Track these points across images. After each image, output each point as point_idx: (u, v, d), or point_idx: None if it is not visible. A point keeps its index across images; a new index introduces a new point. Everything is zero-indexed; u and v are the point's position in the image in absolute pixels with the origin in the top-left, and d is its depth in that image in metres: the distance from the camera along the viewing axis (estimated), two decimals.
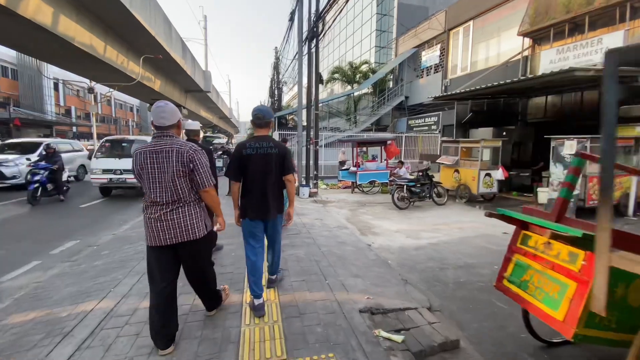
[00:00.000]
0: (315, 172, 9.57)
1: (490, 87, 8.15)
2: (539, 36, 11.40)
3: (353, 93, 20.85)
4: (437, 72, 17.92)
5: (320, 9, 7.89)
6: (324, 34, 8.06)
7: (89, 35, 12.95)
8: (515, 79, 7.27)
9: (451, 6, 16.35)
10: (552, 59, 10.42)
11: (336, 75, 21.47)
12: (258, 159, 2.68)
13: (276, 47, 17.41)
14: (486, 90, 8.79)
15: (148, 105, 32.24)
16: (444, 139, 10.36)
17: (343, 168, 10.52)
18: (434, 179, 8.38)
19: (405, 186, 7.84)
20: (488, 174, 8.78)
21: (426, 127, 18.24)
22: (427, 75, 18.95)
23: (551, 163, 7.47)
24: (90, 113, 23.03)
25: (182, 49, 21.92)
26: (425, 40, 18.45)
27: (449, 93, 9.58)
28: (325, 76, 22.19)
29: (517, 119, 12.03)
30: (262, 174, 2.70)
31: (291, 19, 9.91)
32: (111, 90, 20.32)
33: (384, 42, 23.48)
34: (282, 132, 15.01)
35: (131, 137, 11.19)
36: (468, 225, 6.35)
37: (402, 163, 10.80)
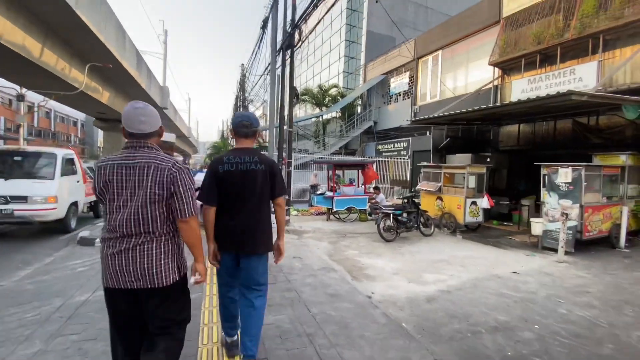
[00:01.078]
0: (286, 196, 8.36)
1: (476, 110, 7.74)
2: (509, 66, 11.63)
3: (322, 115, 20.29)
4: (405, 98, 18.01)
5: (297, 16, 7.09)
6: (302, 43, 7.23)
7: (22, 34, 10.96)
8: (506, 102, 6.90)
9: (420, 36, 16.73)
10: (523, 88, 10.54)
11: (305, 97, 20.88)
12: (239, 177, 2.19)
13: (243, 64, 16.43)
14: (466, 114, 8.41)
15: (94, 119, 29.27)
16: (425, 164, 9.80)
17: (317, 193, 9.44)
18: (420, 207, 7.58)
19: (391, 215, 6.92)
20: (474, 202, 8.22)
21: (395, 153, 18.01)
22: (396, 101, 19.02)
23: (543, 192, 7.03)
24: (20, 124, 19.83)
25: (137, 61, 20.12)
26: (394, 67, 18.64)
27: (430, 116, 9.14)
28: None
29: (490, 146, 11.98)
30: (245, 196, 2.21)
31: (263, 27, 9.04)
32: (46, 99, 17.68)
33: (352, 69, 23.61)
34: None
35: (31, 149, 7.42)
36: (468, 262, 5.50)
37: (378, 189, 10.01)
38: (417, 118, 9.74)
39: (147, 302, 1.71)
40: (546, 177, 6.90)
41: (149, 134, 1.73)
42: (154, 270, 1.66)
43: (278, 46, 7.86)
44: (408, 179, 16.69)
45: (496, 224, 9.58)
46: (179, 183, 1.68)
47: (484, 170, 8.39)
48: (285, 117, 8.22)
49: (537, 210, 9.98)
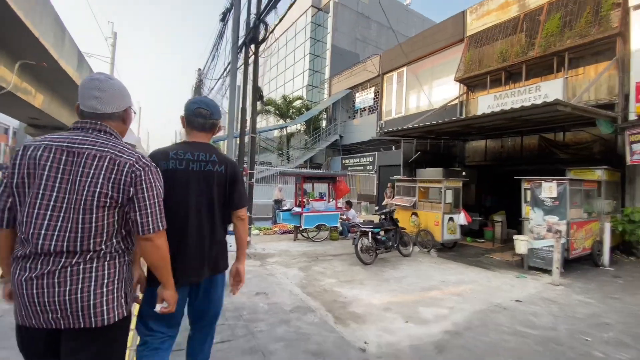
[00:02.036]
0: (248, 213, 7.16)
1: (454, 121, 7.35)
2: (474, 83, 11.75)
3: (287, 127, 19.39)
4: (371, 113, 17.82)
5: (263, 6, 6.18)
6: (268, 36, 6.31)
7: None
8: (490, 112, 6.53)
9: (385, 52, 16.77)
10: (489, 104, 10.57)
11: (269, 108, 19.88)
12: (189, 179, 1.67)
13: (200, 69, 15.08)
14: (443, 125, 8.04)
15: (25, 125, 25.55)
16: (398, 177, 9.22)
17: (283, 209, 8.35)
18: (399, 224, 6.84)
19: (370, 233, 6.07)
20: (451, 219, 7.70)
21: (361, 167, 17.57)
22: (361, 116, 18.78)
23: (525, 207, 6.67)
24: None
25: (79, 61, 17.86)
26: (359, 82, 18.49)
27: (404, 127, 8.65)
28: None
29: (457, 162, 11.86)
30: (197, 205, 1.68)
31: (224, 19, 8.00)
32: None
33: (317, 82, 23.23)
34: None
35: None
36: (462, 289, 4.76)
37: (350, 204, 9.20)
38: (388, 130, 9.22)
39: (73, 346, 1.23)
40: (529, 191, 6.55)
41: (108, 116, 1.33)
42: (91, 303, 1.21)
43: (241, 40, 6.87)
44: (375, 193, 16.23)
45: (470, 241, 9.18)
46: (144, 186, 1.29)
47: (460, 184, 7.97)
48: (248, 122, 7.15)
49: (509, 226, 9.84)
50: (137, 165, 1.27)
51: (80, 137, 1.26)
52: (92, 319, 1.20)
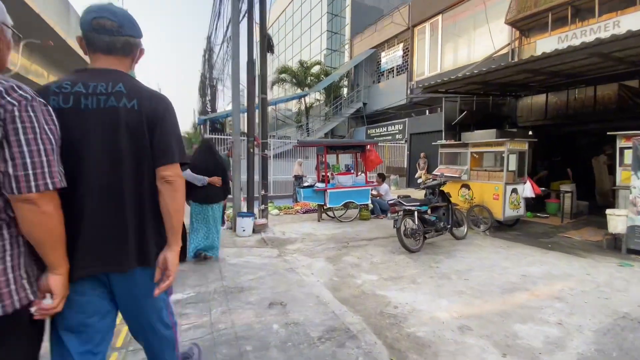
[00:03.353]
0: (263, 192, 6.00)
1: (521, 62, 5.64)
2: (529, 25, 9.63)
3: (305, 96, 17.82)
4: (400, 74, 15.85)
5: None
6: None
7: None
8: (579, 44, 4.74)
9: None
10: (552, 49, 8.55)
11: (284, 76, 18.29)
12: (82, 123, 1.14)
13: (209, 36, 13.67)
14: (502, 73, 6.33)
15: None
16: (444, 142, 7.66)
17: (304, 185, 7.12)
18: (451, 200, 5.42)
19: (415, 213, 4.72)
20: (514, 190, 6.16)
21: (389, 137, 15.89)
22: (388, 79, 16.83)
23: (621, 172, 5.03)
24: None
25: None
26: (384, 39, 16.39)
27: (448, 79, 6.95)
28: (270, 77, 18.88)
29: (508, 122, 10.00)
30: (96, 161, 1.16)
31: None
32: None
33: (336, 45, 21.17)
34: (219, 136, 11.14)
35: None
36: (558, 287, 3.40)
37: (382, 177, 7.81)
38: (429, 83, 7.55)
39: None
40: (628, 152, 4.88)
41: None
42: None
43: None
44: (405, 165, 14.67)
45: (530, 216, 7.59)
46: (18, 125, 0.95)
47: (526, 147, 6.33)
48: (256, 79, 5.81)
49: (580, 196, 8.13)
50: (8, 98, 0.94)
51: None
52: None
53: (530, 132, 7.52)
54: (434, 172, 7.47)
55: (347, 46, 19.39)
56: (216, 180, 4.21)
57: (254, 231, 5.64)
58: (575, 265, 4.15)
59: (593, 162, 8.76)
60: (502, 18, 11.32)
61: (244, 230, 5.41)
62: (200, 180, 4.13)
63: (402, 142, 14.84)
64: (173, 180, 1.22)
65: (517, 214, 6.27)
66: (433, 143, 8.33)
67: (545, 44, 8.82)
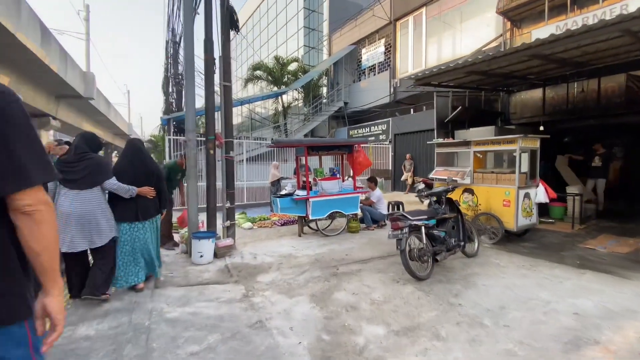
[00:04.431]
0: (228, 204, 4.77)
1: (531, 46, 4.77)
2: (522, 14, 8.99)
3: (283, 94, 16.60)
4: (382, 71, 15.01)
5: None
6: None
7: None
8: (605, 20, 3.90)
9: None
10: None
11: (259, 73, 16.98)
12: None
13: (169, 20, 12.15)
14: (505, 59, 5.49)
15: None
16: (440, 140, 6.71)
17: (281, 193, 5.94)
18: (461, 210, 4.43)
19: (423, 228, 3.68)
20: (527, 195, 5.29)
21: (372, 138, 14.99)
22: (369, 77, 15.97)
23: None
24: None
25: (43, 36, 15.01)
26: (365, 35, 15.54)
27: (443, 68, 6.03)
28: (244, 74, 17.58)
29: (502, 119, 9.30)
30: None
31: None
32: None
33: (314, 43, 20.14)
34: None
35: None
36: (631, 331, 2.45)
37: (374, 182, 6.78)
38: (421, 75, 6.62)
39: None
40: None
41: None
42: None
43: None
44: (390, 167, 13.80)
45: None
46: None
47: (537, 145, 5.47)
48: (217, 62, 4.59)
49: (589, 201, 7.45)
50: None
51: None
52: None
53: (541, 128, 6.72)
54: (431, 175, 6.52)
55: (325, 43, 18.40)
56: (147, 190, 3.05)
57: (216, 256, 4.40)
58: (628, 293, 3.24)
59: (557, 161, 8.27)
60: (490, 10, 10.70)
61: (201, 257, 4.17)
62: (127, 190, 3.01)
63: (386, 143, 13.97)
64: (33, 210, 0.94)
65: (530, 222, 5.40)
66: (428, 142, 7.40)
67: (541, 33, 8.09)
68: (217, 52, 4.68)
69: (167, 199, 3.85)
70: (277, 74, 16.49)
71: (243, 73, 20.50)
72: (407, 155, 12.81)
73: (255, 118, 18.90)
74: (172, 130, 11.84)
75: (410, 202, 9.15)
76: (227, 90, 4.63)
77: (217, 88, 4.81)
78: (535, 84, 8.32)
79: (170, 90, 13.86)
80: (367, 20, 15.02)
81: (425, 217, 3.78)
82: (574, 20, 7.62)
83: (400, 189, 13.20)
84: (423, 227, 3.71)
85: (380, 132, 14.52)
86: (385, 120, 14.29)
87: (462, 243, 4.08)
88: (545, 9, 8.23)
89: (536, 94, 8.80)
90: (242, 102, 15.08)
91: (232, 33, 4.79)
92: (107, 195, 3.16)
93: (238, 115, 22.72)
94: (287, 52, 21.38)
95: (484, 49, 9.86)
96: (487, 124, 8.36)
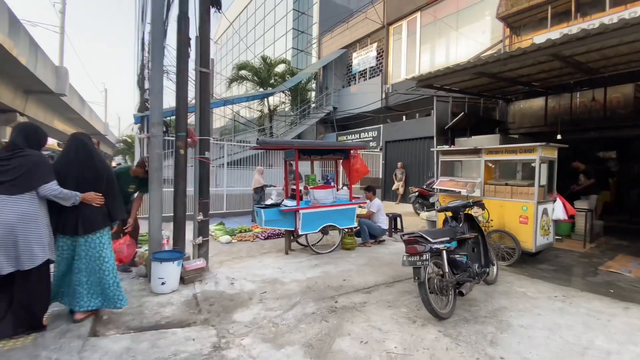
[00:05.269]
0: (200, 217, 3.90)
1: (559, 42, 4.25)
2: (523, 20, 8.66)
3: (270, 95, 15.78)
4: (373, 77, 14.52)
5: None
6: None
7: None
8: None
9: None
10: None
11: (244, 73, 16.11)
12: None
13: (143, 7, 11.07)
14: (526, 58, 4.97)
15: None
16: (445, 148, 6.08)
17: (267, 203, 5.10)
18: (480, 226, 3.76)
19: (444, 253, 2.97)
20: (544, 211, 4.71)
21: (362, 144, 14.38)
22: (359, 82, 15.44)
23: None
24: None
25: (11, 26, 13.64)
26: (357, 38, 15.05)
27: (457, 66, 5.45)
28: (228, 74, 16.66)
29: (500, 128, 8.87)
30: None
31: None
32: None
33: (303, 46, 19.54)
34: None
35: None
36: None
37: (372, 191, 6.06)
38: (426, 75, 6.02)
39: None
40: None
41: None
42: None
43: None
44: (381, 176, 13.19)
45: None
46: None
47: (555, 155, 4.92)
48: (194, 44, 3.78)
49: (600, 215, 7.02)
50: None
51: None
52: None
53: (559, 136, 6.24)
54: (435, 186, 5.87)
55: (315, 45, 17.81)
56: (92, 197, 2.54)
57: (183, 281, 3.52)
58: None
59: None
60: (487, 16, 10.41)
61: (163, 284, 3.27)
62: (70, 197, 2.45)
63: (376, 150, 13.39)
64: None
65: (547, 241, 4.82)
66: (432, 149, 6.78)
67: (544, 40, 7.81)
68: (194, 32, 3.86)
69: (122, 208, 2.98)
70: (263, 75, 15.68)
71: (228, 74, 19.59)
72: (399, 164, 12.27)
73: (239, 120, 17.95)
74: (146, 128, 10.78)
75: (405, 213, 8.52)
76: (204, 77, 3.81)
77: (193, 76, 3.98)
78: (535, 92, 7.95)
79: (146, 86, 12.75)
80: (359, 24, 14.55)
81: (447, 238, 3.07)
82: (580, 27, 7.31)
83: (391, 199, 12.60)
84: (444, 252, 2.99)
85: (371, 138, 13.95)
86: (376, 126, 13.74)
87: (487, 270, 3.38)
88: (549, 15, 7.91)
89: (535, 103, 8.44)
90: (225, 102, 14.16)
91: (220, 29, 3.99)
92: (45, 204, 2.37)
93: (221, 117, 21.69)
94: (275, 55, 20.66)
95: (482, 55, 9.49)
96: (485, 133, 7.93)
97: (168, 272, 3.32)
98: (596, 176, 7.00)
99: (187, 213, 3.91)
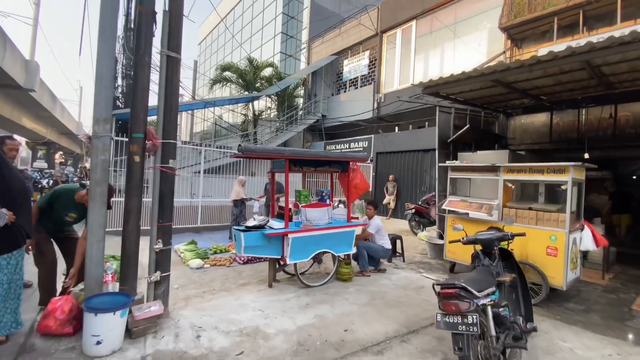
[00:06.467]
0: (159, 244, 2.94)
1: (589, 48, 3.68)
2: (526, 32, 8.28)
3: (257, 98, 14.88)
4: (365, 85, 13.94)
5: None
6: None
7: None
8: None
9: (386, 1, 12.84)
10: None
11: (228, 74, 15.15)
12: None
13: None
14: (553, 65, 4.40)
15: None
16: (455, 163, 5.38)
17: (248, 224, 4.18)
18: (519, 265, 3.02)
19: (489, 309, 2.17)
20: (574, 241, 4.06)
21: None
22: (350, 90, 14.84)
23: None
24: None
25: None
26: (348, 45, 14.49)
27: (473, 71, 4.84)
28: (211, 74, 15.68)
29: (501, 144, 8.37)
30: None
31: None
32: None
33: (291, 51, 18.85)
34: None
35: None
36: None
37: (375, 208, 5.26)
38: (440, 80, 5.37)
39: None
40: None
41: None
42: None
43: None
44: (371, 189, 12.47)
45: None
46: None
47: (584, 176, 4.32)
48: (161, 21, 2.91)
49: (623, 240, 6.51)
50: None
51: None
52: None
53: (586, 155, 5.69)
54: (445, 207, 5.15)
55: (304, 50, 17.15)
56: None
57: (130, 335, 2.56)
58: None
59: None
60: (485, 28, 10.07)
61: (98, 343, 2.31)
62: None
63: (366, 162, 12.70)
64: None
65: (576, 275, 4.17)
66: (440, 164, 6.09)
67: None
68: (162, 7, 2.99)
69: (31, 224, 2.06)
70: (249, 78, 14.79)
71: (211, 76, 18.58)
72: (390, 177, 11.63)
73: (221, 125, 16.90)
74: (113, 130, 9.62)
75: (400, 230, 7.78)
76: (172, 64, 2.93)
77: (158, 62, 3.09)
78: (536, 107, 7.52)
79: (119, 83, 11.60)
80: (351, 30, 14.02)
81: (493, 289, 2.29)
82: (599, 37, 6.96)
83: (381, 213, 11.88)
84: (490, 307, 2.21)
85: (361, 149, 13.28)
86: (366, 137, 13.10)
87: (534, 325, 2.62)
88: (554, 27, 7.55)
89: (538, 118, 8.00)
90: (206, 104, 13.15)
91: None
92: None
93: (202, 120, 20.53)
94: (263, 57, 19.87)
95: (482, 67, 9.06)
96: (486, 147, 7.37)
97: (106, 327, 2.36)
98: (615, 198, 6.56)
99: (142, 229, 2.96)
